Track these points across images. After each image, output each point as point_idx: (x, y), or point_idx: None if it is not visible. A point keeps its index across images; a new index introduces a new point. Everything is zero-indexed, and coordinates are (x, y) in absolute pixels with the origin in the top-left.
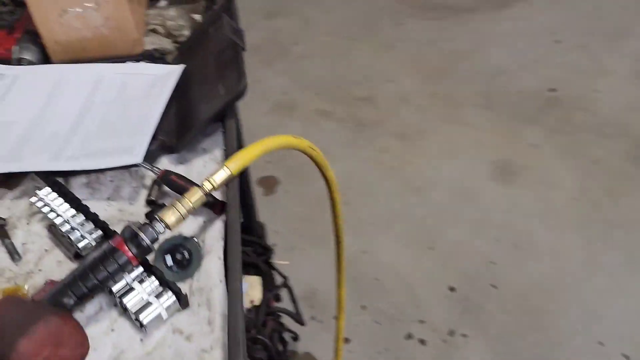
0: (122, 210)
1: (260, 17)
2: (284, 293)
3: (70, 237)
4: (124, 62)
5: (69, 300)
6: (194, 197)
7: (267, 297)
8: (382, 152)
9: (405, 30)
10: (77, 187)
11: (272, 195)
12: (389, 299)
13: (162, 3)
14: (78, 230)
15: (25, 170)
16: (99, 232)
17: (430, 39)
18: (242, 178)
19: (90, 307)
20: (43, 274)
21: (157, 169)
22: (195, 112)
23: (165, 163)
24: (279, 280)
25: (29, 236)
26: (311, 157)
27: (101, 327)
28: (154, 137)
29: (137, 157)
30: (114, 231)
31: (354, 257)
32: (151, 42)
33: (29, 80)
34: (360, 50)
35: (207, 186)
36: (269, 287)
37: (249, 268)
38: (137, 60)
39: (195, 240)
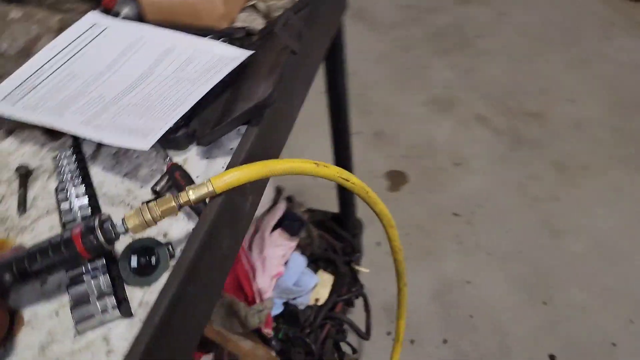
0: (130, 191)
1: (452, 1)
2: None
3: (61, 205)
4: (205, 35)
5: (8, 278)
6: (164, 206)
7: (334, 301)
8: (531, 179)
9: (610, 46)
10: (105, 154)
11: (396, 193)
12: (477, 342)
13: None
14: (70, 202)
15: (56, 127)
16: (88, 211)
17: (638, 62)
18: (344, 166)
19: (53, 282)
20: (33, 234)
21: (168, 160)
22: (233, 107)
23: (192, 154)
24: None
25: (42, 192)
26: (347, 189)
27: (48, 308)
28: (187, 124)
29: (146, 144)
30: (99, 214)
31: (455, 283)
32: (244, 19)
33: (113, 34)
34: (549, 58)
35: (183, 199)
36: (341, 291)
37: (328, 264)
38: (219, 37)
39: (170, 248)
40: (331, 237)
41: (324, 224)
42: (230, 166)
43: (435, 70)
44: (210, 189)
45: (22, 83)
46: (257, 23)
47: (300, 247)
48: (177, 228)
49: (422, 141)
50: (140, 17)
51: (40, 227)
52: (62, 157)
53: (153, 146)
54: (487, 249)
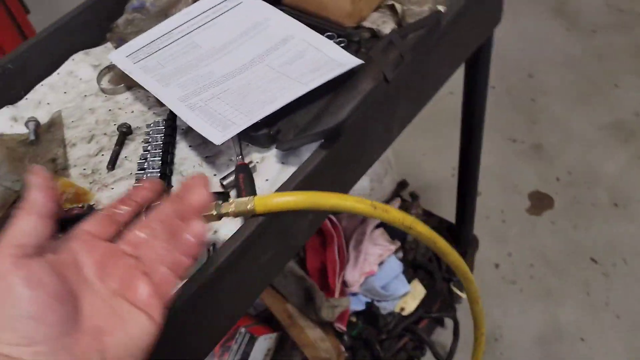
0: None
1: None
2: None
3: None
4: (326, 31)
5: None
6: (206, 212)
7: (420, 315)
8: None
9: None
10: (196, 132)
11: (535, 217)
12: None
13: None
14: (144, 173)
15: (157, 95)
16: None
17: None
18: (468, 169)
19: None
20: (111, 193)
21: (239, 158)
22: (319, 119)
23: (271, 154)
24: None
25: (133, 154)
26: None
27: None
28: (272, 124)
29: (220, 138)
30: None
31: (567, 335)
32: (374, 20)
33: (244, 11)
34: None
35: (224, 209)
36: (431, 308)
37: (426, 276)
38: (339, 35)
39: (211, 247)
40: None
41: (437, 232)
42: (285, 186)
43: (628, 91)
44: (252, 207)
45: (150, 43)
46: (386, 26)
47: (403, 250)
48: (228, 227)
49: (584, 168)
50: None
51: (118, 188)
52: (155, 125)
53: (235, 138)
54: (617, 310)
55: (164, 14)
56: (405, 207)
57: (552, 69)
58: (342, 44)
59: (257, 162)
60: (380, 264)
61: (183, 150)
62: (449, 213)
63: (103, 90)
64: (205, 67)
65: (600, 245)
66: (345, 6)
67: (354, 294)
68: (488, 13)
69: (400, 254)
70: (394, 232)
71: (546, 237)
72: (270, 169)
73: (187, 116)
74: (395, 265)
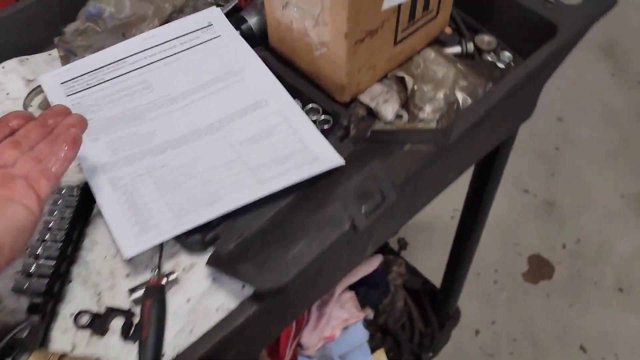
0: (112, 274)
1: None
2: None
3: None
4: (309, 102)
5: None
6: None
7: None
8: None
9: None
10: None
11: (529, 285)
12: None
13: (454, 49)
14: (35, 261)
15: (78, 154)
16: (42, 286)
17: None
18: (468, 238)
19: None
20: None
21: (156, 272)
22: (268, 234)
23: (202, 261)
24: None
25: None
26: None
27: None
28: (211, 226)
29: (130, 249)
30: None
31: None
32: (373, 96)
33: (218, 49)
34: None
35: None
36: None
37: (394, 347)
38: (327, 110)
39: None
40: (417, 313)
41: (417, 295)
42: (200, 345)
43: None
44: None
45: (93, 71)
46: (388, 107)
47: (376, 311)
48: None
49: (596, 240)
50: (263, 35)
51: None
52: (68, 193)
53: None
54: None
55: (121, 32)
56: (387, 262)
57: (585, 117)
58: (326, 124)
59: (183, 271)
60: (345, 328)
61: (97, 231)
62: (439, 261)
63: None
64: (151, 123)
65: (594, 333)
66: (339, 78)
67: (309, 358)
68: (518, 108)
69: (371, 315)
70: (366, 298)
71: (537, 311)
72: (197, 284)
73: (104, 198)
74: (359, 334)
